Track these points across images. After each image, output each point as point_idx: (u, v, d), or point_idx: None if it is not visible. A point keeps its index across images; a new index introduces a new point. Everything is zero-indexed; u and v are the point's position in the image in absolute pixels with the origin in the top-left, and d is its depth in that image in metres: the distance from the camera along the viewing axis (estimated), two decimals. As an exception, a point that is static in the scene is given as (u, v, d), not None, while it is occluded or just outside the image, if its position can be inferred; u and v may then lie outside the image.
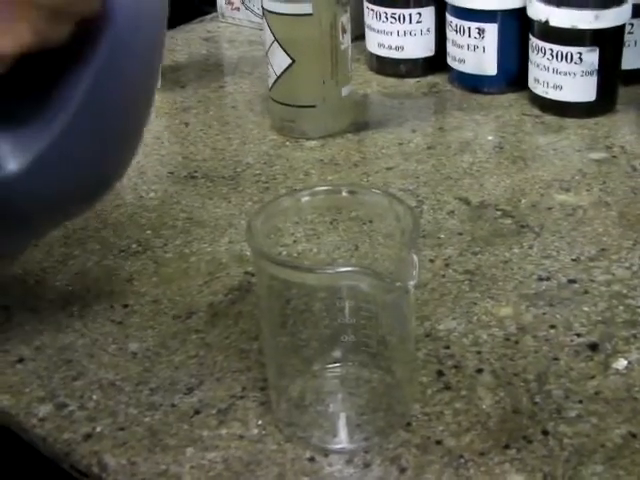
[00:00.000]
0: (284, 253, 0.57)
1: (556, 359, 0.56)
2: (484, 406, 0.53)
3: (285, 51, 0.82)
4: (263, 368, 0.55)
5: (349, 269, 0.45)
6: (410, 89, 0.96)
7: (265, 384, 0.54)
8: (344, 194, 0.51)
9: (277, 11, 0.82)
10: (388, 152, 0.83)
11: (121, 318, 0.62)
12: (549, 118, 0.87)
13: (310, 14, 0.81)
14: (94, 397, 0.56)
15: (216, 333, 0.60)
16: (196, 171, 0.81)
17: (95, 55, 0.47)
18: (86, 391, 0.56)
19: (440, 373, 0.56)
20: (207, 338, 0.60)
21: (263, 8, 0.83)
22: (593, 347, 0.57)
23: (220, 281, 0.65)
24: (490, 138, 0.85)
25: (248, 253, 0.67)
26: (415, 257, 0.46)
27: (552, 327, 0.59)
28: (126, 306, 0.63)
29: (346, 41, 0.84)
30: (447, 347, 0.58)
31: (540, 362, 0.56)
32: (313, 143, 0.85)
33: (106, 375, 0.57)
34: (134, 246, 0.70)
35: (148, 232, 0.72)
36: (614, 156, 0.80)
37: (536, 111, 0.89)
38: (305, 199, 0.52)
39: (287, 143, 0.85)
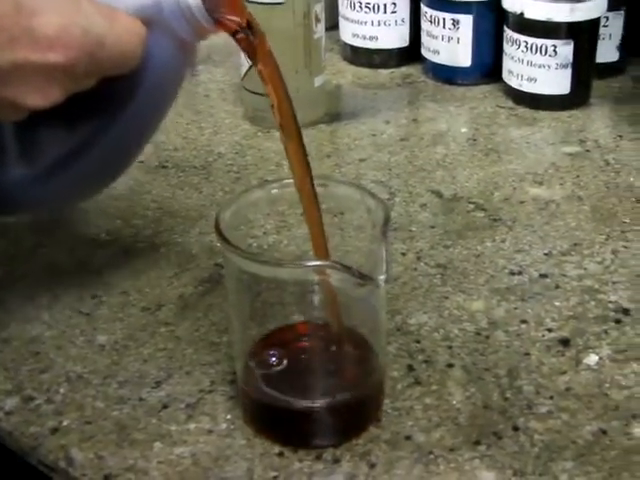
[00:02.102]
0: (254, 245, 0.57)
1: (527, 354, 0.56)
2: (454, 401, 0.53)
3: (258, 40, 0.81)
4: (232, 361, 0.54)
5: (318, 263, 0.44)
6: (384, 80, 0.96)
7: (234, 377, 0.54)
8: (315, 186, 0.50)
9: (250, -1, 0.81)
10: (361, 143, 0.82)
11: (89, 310, 0.61)
12: (523, 110, 0.87)
13: (283, 3, 0.80)
14: (61, 390, 0.55)
15: (186, 326, 0.60)
16: (167, 161, 0.80)
17: (123, 103, 0.50)
18: (53, 384, 0.55)
19: (410, 368, 0.55)
20: (176, 331, 0.59)
21: (236, -4, 0.82)
22: (564, 342, 0.57)
23: (190, 273, 0.65)
24: (464, 130, 0.85)
25: (218, 244, 0.66)
26: (386, 251, 0.46)
27: (523, 322, 0.59)
28: (95, 297, 0.63)
29: (320, 30, 0.83)
30: (418, 341, 0.57)
31: (511, 357, 0.56)
32: (286, 133, 0.84)
33: (74, 368, 0.56)
34: (104, 236, 0.69)
35: (118, 222, 0.71)
36: (587, 150, 0.80)
37: (510, 103, 0.89)
38: (275, 191, 0.51)
39: (259, 133, 0.84)
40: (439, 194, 0.74)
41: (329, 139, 0.83)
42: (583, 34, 0.83)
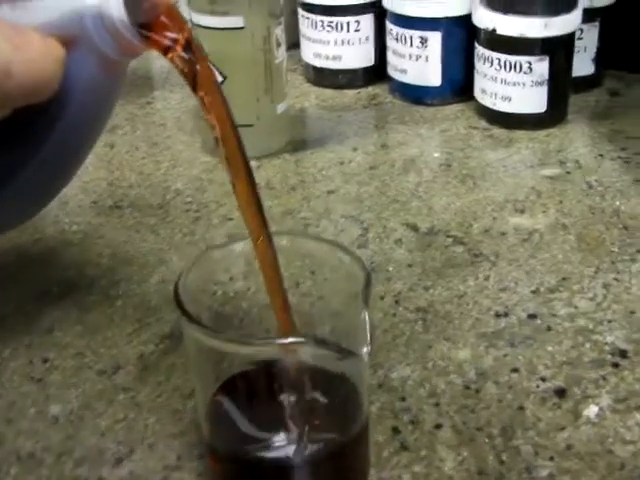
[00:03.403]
0: (219, 293, 0.52)
1: (521, 408, 0.51)
2: (446, 468, 0.48)
3: (215, 68, 0.76)
4: (199, 431, 0.49)
5: (290, 341, 0.39)
6: (350, 101, 0.91)
7: (202, 451, 0.49)
8: (283, 243, 0.45)
9: (206, 25, 0.76)
10: (328, 173, 0.77)
11: (41, 375, 0.56)
12: (498, 131, 0.83)
13: (241, 28, 0.75)
14: (12, 472, 0.49)
15: (146, 391, 0.54)
16: (122, 200, 0.75)
17: (45, 130, 0.46)
18: (3, 465, 0.50)
19: (396, 430, 0.50)
20: (136, 397, 0.54)
21: (191, 22, 0.77)
22: (560, 393, 0.53)
23: (150, 328, 0.60)
24: (436, 155, 0.80)
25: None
26: (367, 317, 0.41)
27: (514, 371, 0.54)
28: (46, 361, 0.57)
29: (281, 55, 0.78)
30: (402, 399, 0.53)
31: (504, 413, 0.51)
32: (248, 165, 0.79)
33: (25, 444, 0.51)
34: (55, 289, 0.64)
35: (71, 272, 0.66)
36: (568, 172, 0.76)
37: (484, 123, 0.84)
38: (239, 249, 0.46)
39: (220, 166, 0.79)
40: (415, 228, 0.69)
41: (294, 170, 0.78)
42: (558, 49, 0.79)
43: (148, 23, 0.42)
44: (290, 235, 0.46)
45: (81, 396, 0.54)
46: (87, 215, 0.73)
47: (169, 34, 0.42)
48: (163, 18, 0.42)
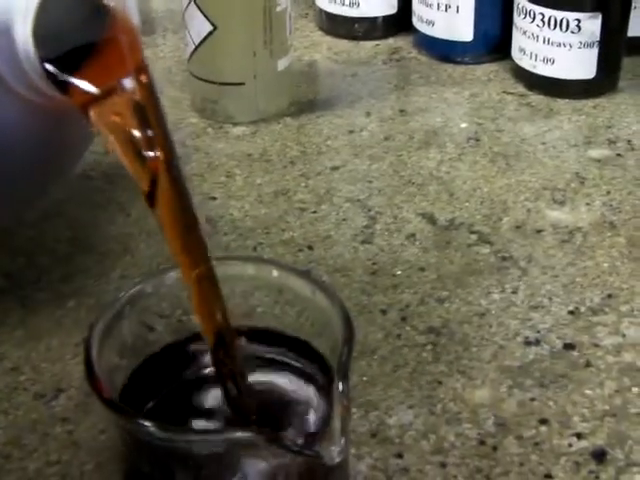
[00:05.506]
0: (161, 326, 0.41)
1: (548, 477, 0.41)
2: None
3: (204, 14, 0.64)
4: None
5: (238, 435, 0.28)
6: (366, 55, 0.79)
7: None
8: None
9: (194, -38, 0.64)
10: (334, 144, 0.66)
11: (-33, 395, 0.46)
12: (537, 98, 0.71)
13: (236, -33, 0.63)
14: None
15: (87, 425, 0.44)
16: (93, 169, 0.64)
17: None
18: None
19: (389, 500, 0.40)
20: (75, 432, 0.44)
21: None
22: (599, 456, 0.42)
23: (102, 339, 0.49)
24: (464, 125, 0.68)
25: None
26: (343, 390, 0.30)
27: (543, 422, 0.43)
28: (-24, 376, 0.47)
29: (284, 1, 0.66)
30: (399, 455, 0.42)
31: (527, 481, 0.41)
32: (241, 130, 0.68)
33: None
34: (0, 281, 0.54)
35: (21, 259, 0.55)
36: (619, 154, 0.64)
37: (521, 88, 0.72)
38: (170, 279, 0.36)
39: (209, 130, 0.68)
40: (432, 219, 0.58)
41: (295, 138, 0.67)
42: (614, 5, 0.67)
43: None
44: (256, 263, 0.35)
45: (11, 427, 0.44)
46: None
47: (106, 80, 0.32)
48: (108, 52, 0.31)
